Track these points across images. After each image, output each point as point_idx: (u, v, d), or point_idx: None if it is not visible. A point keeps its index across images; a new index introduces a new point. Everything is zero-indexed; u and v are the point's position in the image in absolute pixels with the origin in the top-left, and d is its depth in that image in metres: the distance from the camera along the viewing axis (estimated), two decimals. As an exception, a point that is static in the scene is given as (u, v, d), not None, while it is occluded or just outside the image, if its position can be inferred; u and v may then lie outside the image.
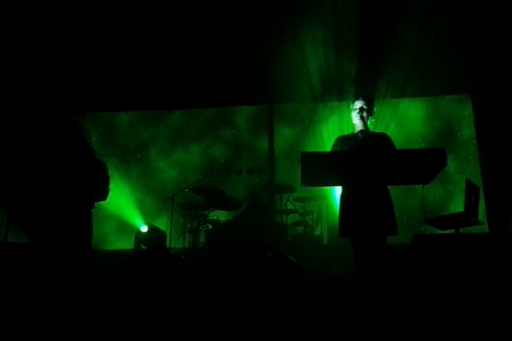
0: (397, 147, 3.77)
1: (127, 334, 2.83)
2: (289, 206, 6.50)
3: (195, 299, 3.32)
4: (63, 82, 7.31)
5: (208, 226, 6.33)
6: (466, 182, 3.43)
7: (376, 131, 3.91)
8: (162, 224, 6.73)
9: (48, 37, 6.59)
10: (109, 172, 4.33)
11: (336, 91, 7.27)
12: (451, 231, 3.29)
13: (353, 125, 3.85)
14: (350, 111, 3.89)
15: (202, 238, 6.28)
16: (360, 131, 3.72)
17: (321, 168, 3.06)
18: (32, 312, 3.11)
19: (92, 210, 4.04)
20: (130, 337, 2.78)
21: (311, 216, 6.44)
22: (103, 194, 4.12)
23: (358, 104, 3.74)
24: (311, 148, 7.35)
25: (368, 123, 3.79)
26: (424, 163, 2.90)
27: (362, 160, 3.03)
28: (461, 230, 3.36)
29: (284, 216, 6.49)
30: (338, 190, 3.74)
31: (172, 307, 3.21)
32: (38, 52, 6.76)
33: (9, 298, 3.38)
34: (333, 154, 3.53)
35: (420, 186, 3.38)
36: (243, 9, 6.43)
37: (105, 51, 7.08)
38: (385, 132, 3.85)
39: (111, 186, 4.29)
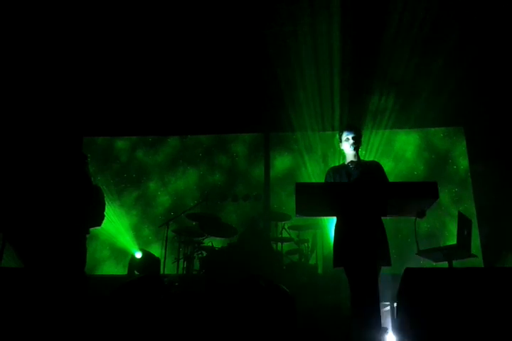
0: (391, 179, 3.84)
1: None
2: (284, 234, 6.49)
3: (187, 326, 3.29)
4: (63, 107, 7.40)
5: (202, 253, 6.30)
6: (458, 215, 3.48)
7: (367, 159, 3.98)
8: (156, 250, 6.70)
9: (49, 60, 6.68)
10: (105, 198, 4.37)
11: (330, 122, 7.38)
12: (444, 263, 3.31)
13: (344, 155, 3.92)
14: (337, 141, 3.97)
15: (196, 265, 6.24)
16: (351, 161, 3.79)
17: (315, 199, 3.11)
18: (24, 336, 3.08)
19: (87, 236, 4.05)
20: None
21: (306, 244, 6.42)
22: (98, 220, 4.14)
23: (350, 134, 3.81)
24: (306, 176, 7.42)
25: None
26: (416, 195, 2.96)
27: (355, 191, 3.09)
28: (455, 263, 3.38)
29: (279, 244, 6.47)
30: (333, 219, 3.78)
31: (164, 336, 3.19)
32: (41, 74, 6.85)
33: (3, 321, 3.35)
34: (326, 185, 3.58)
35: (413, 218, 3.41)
36: (243, 40, 6.59)
37: (104, 75, 7.18)
38: (379, 162, 3.92)
39: (106, 212, 4.32)
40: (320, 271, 6.35)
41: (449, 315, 2.39)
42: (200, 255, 6.30)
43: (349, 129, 3.85)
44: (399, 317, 2.72)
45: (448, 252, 3.29)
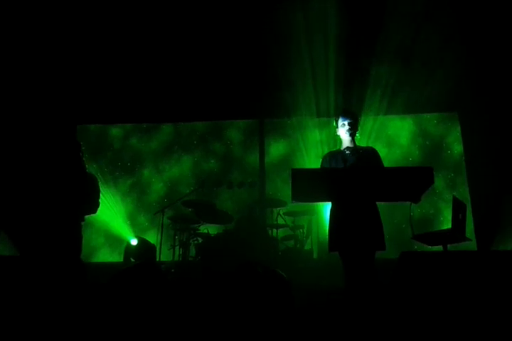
0: (386, 164, 3.84)
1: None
2: (280, 220, 6.52)
3: (185, 314, 3.31)
4: (58, 94, 7.34)
5: (198, 240, 6.33)
6: (453, 200, 3.49)
7: (362, 145, 3.97)
8: (152, 237, 6.70)
9: (43, 49, 6.62)
10: (100, 186, 4.36)
11: (325, 108, 7.36)
12: (439, 247, 3.34)
13: (340, 141, 3.91)
14: (333, 127, 3.95)
15: (192, 251, 6.27)
16: (347, 147, 3.78)
17: (311, 185, 3.12)
18: (22, 325, 3.09)
19: (82, 223, 4.05)
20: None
21: (301, 230, 6.47)
22: (93, 207, 4.14)
23: (346, 120, 3.79)
24: (302, 163, 7.43)
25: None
26: (412, 181, 2.97)
27: (351, 177, 3.10)
28: (449, 247, 3.41)
29: (275, 230, 6.50)
30: (328, 205, 3.80)
31: (161, 322, 3.20)
32: (34, 63, 6.78)
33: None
34: (323, 171, 3.59)
35: (408, 203, 3.43)
36: (238, 26, 6.52)
37: (97, 63, 7.11)
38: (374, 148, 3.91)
39: (101, 199, 4.31)
40: (315, 255, 6.40)
41: (444, 296, 2.42)
42: (195, 242, 6.33)
43: (345, 115, 3.83)
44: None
45: (443, 236, 3.31)
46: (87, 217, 4.14)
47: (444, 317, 2.44)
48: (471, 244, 5.40)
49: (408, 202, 3.40)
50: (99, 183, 4.33)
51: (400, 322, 2.71)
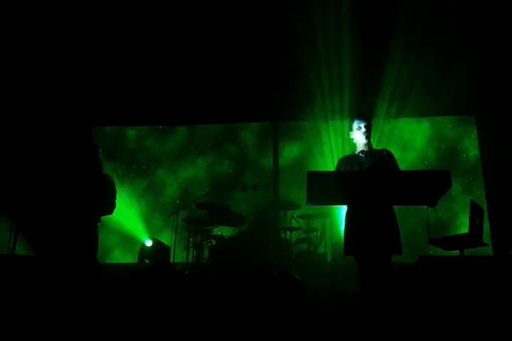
0: (402, 168, 3.80)
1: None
2: (293, 223, 6.50)
3: (199, 315, 3.32)
4: (74, 96, 7.42)
5: (211, 242, 6.33)
6: (470, 204, 3.45)
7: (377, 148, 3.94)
8: (166, 238, 6.73)
9: (60, 52, 6.71)
10: (116, 187, 4.39)
11: (339, 111, 7.34)
12: (456, 252, 3.30)
13: (354, 144, 3.88)
14: (347, 130, 3.92)
15: (206, 253, 6.28)
16: (362, 151, 3.74)
17: (326, 187, 3.10)
18: (37, 324, 3.13)
19: (98, 224, 4.09)
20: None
21: (315, 233, 6.45)
22: (109, 208, 4.17)
23: (362, 122, 3.76)
24: (316, 165, 7.41)
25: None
26: (429, 184, 2.94)
27: (367, 180, 3.07)
28: (466, 251, 3.37)
29: (288, 233, 6.48)
30: (343, 209, 3.77)
31: (175, 323, 3.22)
32: (51, 66, 6.87)
33: (16, 309, 3.40)
34: (338, 173, 3.57)
35: (425, 207, 3.39)
36: (252, 27, 6.54)
37: (114, 66, 7.18)
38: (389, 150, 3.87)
39: (117, 200, 4.34)
40: (329, 259, 6.37)
41: (461, 300, 2.39)
42: (209, 243, 6.33)
43: (361, 117, 3.80)
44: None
45: (460, 240, 3.27)
46: (103, 217, 4.17)
47: (461, 321, 2.41)
48: (487, 249, 5.33)
49: (424, 206, 3.37)
50: (115, 184, 4.37)
51: (415, 327, 2.69)
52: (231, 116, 8.10)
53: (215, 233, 6.43)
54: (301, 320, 2.86)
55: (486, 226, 6.69)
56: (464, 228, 6.08)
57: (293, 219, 6.51)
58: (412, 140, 7.74)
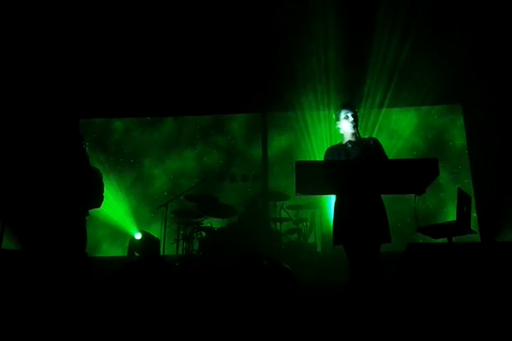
0: (389, 157, 3.81)
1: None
2: (283, 214, 6.51)
3: (190, 307, 3.32)
4: (61, 88, 7.33)
5: (201, 234, 6.33)
6: (458, 192, 3.47)
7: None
8: (156, 231, 6.71)
9: (46, 44, 6.61)
10: (103, 180, 4.35)
11: (326, 101, 7.35)
12: (444, 240, 3.33)
13: (341, 134, 3.87)
14: (333, 120, 3.91)
15: (196, 245, 6.28)
16: (349, 141, 3.74)
17: (315, 177, 3.10)
18: (27, 318, 3.10)
19: (87, 217, 4.05)
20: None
21: (304, 224, 6.47)
22: (97, 201, 4.14)
23: (349, 112, 3.76)
24: (304, 156, 7.41)
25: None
26: (417, 172, 2.95)
27: (355, 169, 3.08)
28: (454, 239, 3.40)
29: (278, 223, 6.49)
30: (332, 199, 3.78)
31: (166, 315, 3.21)
32: (37, 57, 6.77)
33: (4, 304, 3.37)
34: (326, 163, 3.56)
35: (412, 196, 3.41)
36: (240, 18, 6.49)
37: (100, 57, 7.09)
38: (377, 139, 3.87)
39: (105, 193, 4.31)
40: (319, 249, 6.40)
41: (450, 288, 2.41)
42: (199, 236, 6.33)
43: (347, 107, 3.79)
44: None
45: (448, 228, 3.30)
46: (91, 211, 4.14)
47: (450, 309, 2.44)
48: (474, 237, 5.39)
49: (412, 195, 3.38)
50: (103, 177, 4.33)
51: (405, 315, 2.71)
52: (219, 107, 8.07)
53: (204, 225, 6.42)
54: (293, 310, 2.87)
55: (473, 214, 6.78)
56: (451, 216, 6.13)
57: (282, 209, 6.52)
58: (399, 129, 7.77)
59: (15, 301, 3.40)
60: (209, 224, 6.42)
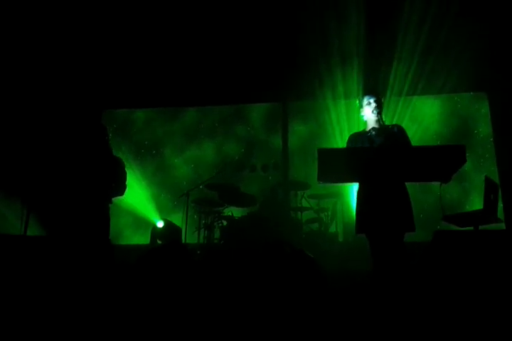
0: (412, 145, 3.74)
1: (142, 327, 2.86)
2: (304, 203, 6.48)
3: (212, 294, 3.33)
4: (82, 81, 7.42)
5: (222, 223, 6.35)
6: (485, 180, 3.39)
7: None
8: (177, 220, 6.76)
9: (69, 35, 6.68)
10: (126, 169, 4.39)
11: (349, 90, 7.25)
12: (470, 228, 3.26)
13: (364, 122, 3.80)
14: (357, 107, 3.85)
15: (216, 234, 6.30)
16: (373, 128, 3.67)
17: (337, 164, 3.06)
18: (50, 304, 3.16)
19: (110, 205, 4.09)
20: (145, 331, 2.81)
21: (325, 213, 6.42)
22: (121, 189, 4.18)
23: (371, 98, 3.69)
24: (326, 145, 7.34)
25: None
26: (444, 159, 2.89)
27: (379, 156, 3.02)
28: (480, 228, 3.33)
29: (299, 213, 6.47)
30: (355, 187, 3.73)
31: (188, 302, 3.23)
32: (60, 49, 6.85)
33: (28, 290, 3.44)
34: (349, 150, 3.51)
35: (437, 184, 3.34)
36: (260, 7, 6.44)
37: (122, 48, 7.14)
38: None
39: (127, 182, 4.35)
40: (340, 238, 6.36)
41: (478, 275, 2.36)
42: (220, 224, 6.35)
43: (370, 93, 3.73)
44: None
45: (474, 217, 3.23)
46: (114, 199, 4.18)
47: (478, 296, 2.39)
48: (500, 226, 5.27)
49: (437, 183, 3.31)
50: (126, 167, 4.37)
51: (431, 305, 2.67)
52: (240, 97, 8.04)
53: (225, 214, 6.44)
54: (318, 298, 2.85)
55: (499, 203, 6.64)
56: (475, 206, 6.01)
57: (303, 199, 6.49)
58: (422, 117, 7.62)
59: (40, 286, 3.46)
60: (230, 213, 6.43)
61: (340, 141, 6.98)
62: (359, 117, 3.89)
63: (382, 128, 3.67)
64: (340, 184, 5.94)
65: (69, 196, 3.84)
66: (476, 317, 2.39)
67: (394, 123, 3.95)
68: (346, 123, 7.26)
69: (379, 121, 3.67)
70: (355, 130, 3.98)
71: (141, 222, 7.59)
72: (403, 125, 3.85)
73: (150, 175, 8.12)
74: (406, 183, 3.44)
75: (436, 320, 2.52)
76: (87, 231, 3.66)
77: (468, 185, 7.21)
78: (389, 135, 3.59)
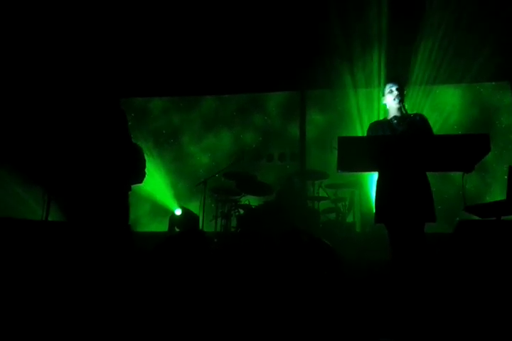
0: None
1: (163, 313, 2.89)
2: (321, 193, 6.45)
3: (230, 282, 3.35)
4: (101, 68, 7.45)
5: (239, 211, 6.36)
6: (508, 170, 3.32)
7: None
8: (194, 208, 6.80)
9: (86, 24, 6.70)
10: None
11: (368, 78, 7.16)
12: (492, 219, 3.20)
13: (386, 110, 3.74)
14: (380, 96, 3.79)
15: (233, 222, 6.33)
16: (395, 116, 3.61)
17: (358, 153, 3.02)
18: (70, 288, 3.20)
19: (129, 192, 4.11)
20: (165, 316, 2.84)
21: (343, 203, 6.39)
22: (140, 177, 4.19)
23: (394, 86, 3.62)
24: (343, 134, 7.27)
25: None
26: (467, 149, 2.83)
27: (401, 145, 2.97)
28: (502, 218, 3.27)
29: (316, 202, 6.45)
30: (374, 177, 3.69)
31: (206, 290, 3.25)
32: (77, 37, 6.88)
33: (49, 274, 3.49)
34: (371, 138, 3.47)
35: (458, 174, 3.28)
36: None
37: (139, 36, 7.14)
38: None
39: (146, 169, 4.36)
40: (358, 228, 6.33)
41: (501, 262, 2.32)
42: (237, 213, 6.36)
43: (393, 81, 3.66)
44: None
45: (497, 207, 3.17)
46: (133, 186, 4.19)
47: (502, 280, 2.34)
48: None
49: (459, 172, 3.25)
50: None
51: (452, 296, 2.64)
52: (258, 85, 7.99)
53: (242, 202, 6.45)
54: (336, 285, 2.84)
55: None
56: (496, 197, 5.93)
57: (320, 188, 6.46)
58: (443, 107, 7.50)
59: (60, 272, 3.51)
60: (247, 202, 6.44)
61: (360, 131, 6.91)
62: (379, 106, 3.85)
63: (404, 116, 3.61)
64: (359, 173, 5.89)
65: (89, 182, 3.87)
66: (502, 308, 2.35)
67: (414, 112, 3.87)
68: (365, 112, 7.18)
69: (401, 109, 3.61)
70: (375, 119, 3.93)
71: (160, 210, 7.66)
72: (423, 114, 3.78)
73: (168, 163, 8.17)
74: (427, 173, 3.39)
75: (458, 310, 2.49)
76: (107, 217, 3.69)
77: (489, 176, 7.09)
78: (411, 123, 3.53)
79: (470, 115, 7.48)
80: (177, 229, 6.31)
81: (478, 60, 6.65)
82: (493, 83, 7.61)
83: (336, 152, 2.95)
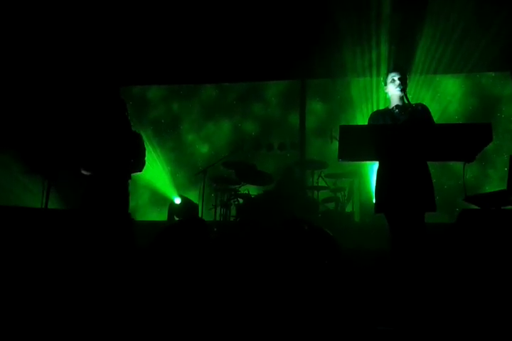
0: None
1: (163, 302, 2.89)
2: (321, 182, 6.45)
3: (230, 271, 3.36)
4: (101, 57, 7.41)
5: (238, 200, 6.36)
6: (510, 159, 3.31)
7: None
8: (194, 197, 6.80)
9: (85, 13, 6.65)
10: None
11: (369, 68, 7.12)
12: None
13: (387, 99, 3.72)
14: (382, 85, 3.76)
15: (233, 212, 6.32)
16: (396, 105, 3.59)
17: (359, 142, 3.00)
18: (72, 275, 3.21)
19: (129, 181, 4.11)
20: (166, 306, 2.84)
21: (342, 193, 6.39)
22: (139, 165, 4.18)
23: (396, 75, 3.59)
24: (343, 124, 7.24)
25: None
26: (469, 138, 2.81)
27: (402, 134, 2.96)
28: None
29: (315, 192, 6.45)
30: (374, 167, 3.68)
31: (206, 278, 3.26)
32: (76, 26, 6.83)
33: (49, 262, 3.49)
34: (372, 127, 3.44)
35: (458, 165, 3.27)
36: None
37: (137, 24, 7.07)
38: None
39: (146, 158, 4.34)
40: (357, 218, 6.34)
41: (503, 251, 2.32)
42: (236, 202, 6.35)
43: (396, 70, 3.63)
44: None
45: (498, 197, 3.16)
46: (132, 175, 4.18)
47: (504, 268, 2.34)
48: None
49: (459, 162, 3.24)
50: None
51: (455, 283, 2.64)
52: (258, 74, 7.94)
53: (241, 192, 6.44)
54: (336, 273, 2.85)
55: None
56: (496, 187, 5.92)
57: (320, 178, 6.45)
58: (445, 97, 7.47)
59: (61, 258, 3.52)
60: (246, 191, 6.43)
61: (361, 120, 6.88)
62: (380, 96, 3.82)
63: (405, 106, 3.58)
64: (359, 163, 5.88)
65: (90, 170, 3.86)
66: (504, 299, 2.36)
67: (415, 101, 3.85)
68: (365, 102, 7.14)
69: (403, 98, 3.58)
70: (375, 109, 3.91)
71: (159, 199, 7.66)
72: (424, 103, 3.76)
73: (167, 151, 8.16)
74: (428, 163, 3.37)
75: (458, 300, 2.50)
76: (107, 205, 3.69)
77: (489, 166, 7.09)
78: (413, 113, 3.50)
79: (470, 105, 7.46)
80: (176, 218, 6.31)
81: (481, 51, 6.62)
82: (495, 73, 7.58)
83: (335, 142, 2.94)
